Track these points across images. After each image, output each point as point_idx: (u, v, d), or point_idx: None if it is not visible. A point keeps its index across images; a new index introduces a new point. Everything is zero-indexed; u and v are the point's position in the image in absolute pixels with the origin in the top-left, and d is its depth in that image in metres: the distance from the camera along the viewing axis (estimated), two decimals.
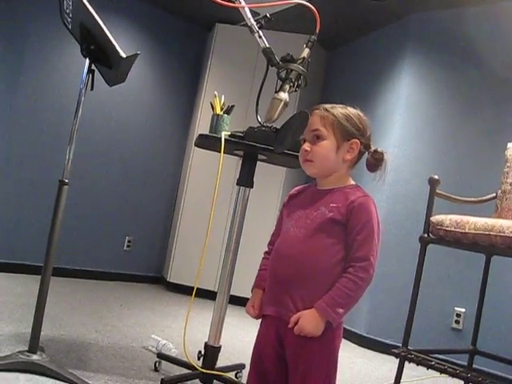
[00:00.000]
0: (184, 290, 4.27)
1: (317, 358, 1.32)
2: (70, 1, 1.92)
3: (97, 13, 1.88)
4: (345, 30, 4.33)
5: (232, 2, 1.76)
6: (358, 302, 1.32)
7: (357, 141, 1.39)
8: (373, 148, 1.42)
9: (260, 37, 1.81)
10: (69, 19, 2.04)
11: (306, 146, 1.38)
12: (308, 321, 1.28)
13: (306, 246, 1.34)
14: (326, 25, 4.12)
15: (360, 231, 1.31)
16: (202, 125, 4.42)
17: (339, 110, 1.40)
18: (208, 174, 4.08)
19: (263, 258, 1.51)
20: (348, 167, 1.42)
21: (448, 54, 3.62)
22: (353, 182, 1.43)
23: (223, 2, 1.67)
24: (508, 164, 2.41)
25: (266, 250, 1.52)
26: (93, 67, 2.01)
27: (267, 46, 1.83)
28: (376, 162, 1.41)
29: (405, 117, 3.71)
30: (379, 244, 1.34)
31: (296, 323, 1.29)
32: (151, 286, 4.60)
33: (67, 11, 2.00)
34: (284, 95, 1.65)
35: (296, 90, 1.71)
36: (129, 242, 4.61)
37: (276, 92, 1.66)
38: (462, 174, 3.41)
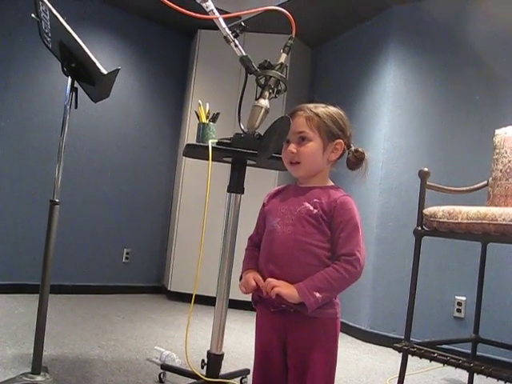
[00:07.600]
0: (186, 298, 4.26)
1: (321, 346, 1.33)
2: (47, 21, 1.92)
3: (79, 26, 1.88)
4: (328, 25, 4.34)
5: (206, 13, 1.76)
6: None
7: (341, 141, 1.41)
8: (353, 147, 1.44)
9: (236, 46, 1.80)
10: (48, 39, 2.04)
11: (292, 148, 1.39)
12: (285, 285, 1.29)
13: (296, 242, 1.33)
14: (309, 22, 4.17)
15: (344, 228, 1.32)
16: (191, 133, 4.42)
17: (323, 110, 1.41)
18: (201, 182, 4.06)
19: (247, 250, 1.49)
20: (331, 167, 1.45)
21: (432, 44, 3.63)
22: (332, 183, 1.44)
23: (196, 15, 1.67)
24: (497, 151, 2.42)
25: (248, 245, 1.50)
26: (76, 85, 2.01)
27: (244, 54, 1.82)
28: (357, 161, 1.43)
29: (393, 109, 3.71)
30: (363, 241, 1.34)
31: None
32: (152, 297, 4.60)
33: (46, 31, 1.99)
34: (264, 102, 1.65)
35: (276, 96, 1.71)
36: (127, 253, 4.61)
37: (256, 99, 1.66)
38: (454, 164, 3.41)
